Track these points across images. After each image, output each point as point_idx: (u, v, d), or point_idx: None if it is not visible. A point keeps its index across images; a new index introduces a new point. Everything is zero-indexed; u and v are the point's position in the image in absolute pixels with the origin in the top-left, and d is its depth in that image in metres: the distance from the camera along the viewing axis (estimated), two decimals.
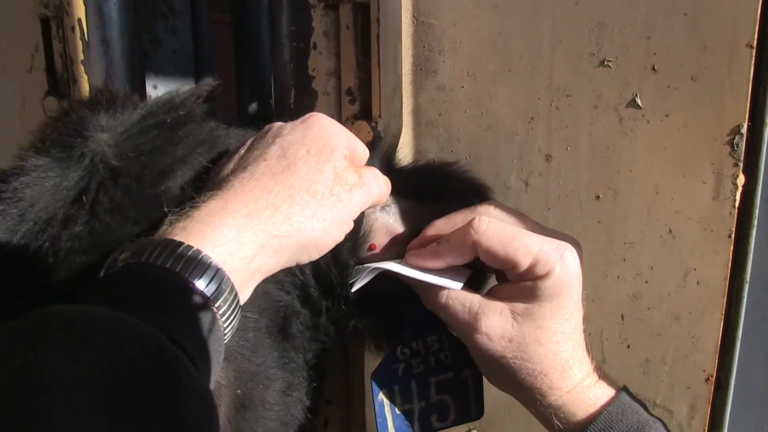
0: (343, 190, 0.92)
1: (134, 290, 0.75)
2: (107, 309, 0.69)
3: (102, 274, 0.79)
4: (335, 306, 1.09)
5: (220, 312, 0.79)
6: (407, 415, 1.08)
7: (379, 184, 1.01)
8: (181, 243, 0.78)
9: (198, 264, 0.77)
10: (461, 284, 0.99)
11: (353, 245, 1.05)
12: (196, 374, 0.70)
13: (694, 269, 1.25)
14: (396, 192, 1.08)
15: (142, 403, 0.63)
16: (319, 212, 0.89)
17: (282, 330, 1.06)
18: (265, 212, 0.85)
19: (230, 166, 0.97)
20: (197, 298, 0.76)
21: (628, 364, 1.33)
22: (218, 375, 0.89)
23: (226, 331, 0.81)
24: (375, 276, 1.05)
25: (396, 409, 1.08)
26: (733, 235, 1.21)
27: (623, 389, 1.00)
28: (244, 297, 0.86)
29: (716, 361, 1.30)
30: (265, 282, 0.95)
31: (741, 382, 1.37)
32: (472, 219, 0.98)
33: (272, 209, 0.86)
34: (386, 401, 1.08)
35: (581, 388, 0.98)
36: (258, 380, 1.02)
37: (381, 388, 1.08)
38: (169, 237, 0.79)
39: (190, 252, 0.77)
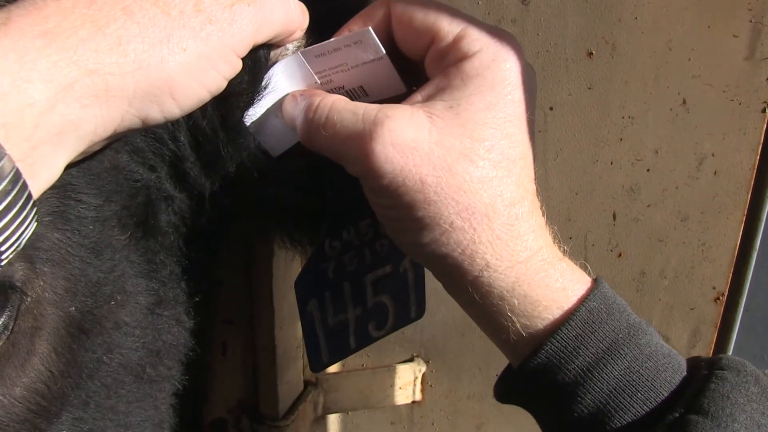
0: (218, 4, 0.72)
1: None
2: None
3: None
4: (225, 188, 0.94)
5: None
6: (341, 328, 0.98)
7: (287, 6, 0.81)
8: None
9: None
10: (370, 30, 0.83)
11: (251, 99, 0.85)
12: None
13: (712, 155, 1.13)
14: (317, 28, 0.87)
15: None
16: (175, 36, 0.69)
17: (143, 223, 0.88)
18: (80, 32, 0.64)
19: None
20: None
21: (617, 278, 1.23)
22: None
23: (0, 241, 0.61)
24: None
25: (328, 321, 0.97)
26: None
27: (599, 278, 0.82)
28: (46, 176, 0.66)
29: (730, 276, 1.20)
30: (113, 150, 0.79)
31: (746, 304, 1.28)
32: None
33: (92, 28, 0.65)
34: (316, 314, 0.96)
35: (542, 262, 0.78)
36: (105, 293, 0.83)
37: (309, 297, 0.95)
38: None
39: None
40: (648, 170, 1.16)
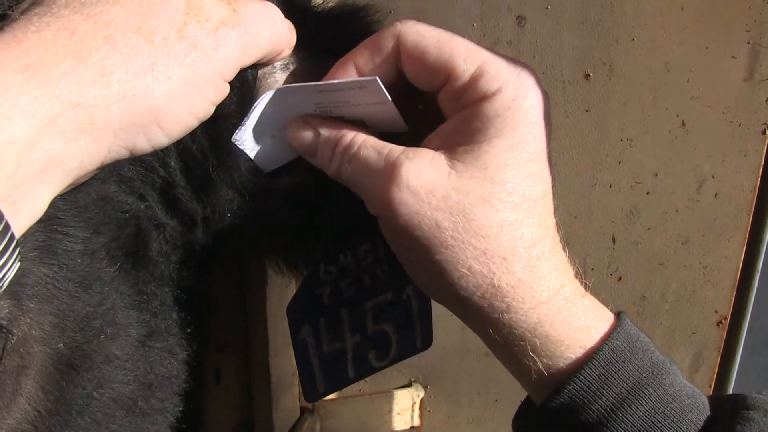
0: (202, 29, 0.70)
1: None
2: None
3: None
4: (217, 213, 0.91)
5: None
6: (338, 356, 0.95)
7: (274, 26, 0.80)
8: None
9: None
10: (378, 80, 0.80)
11: (240, 120, 0.85)
12: None
13: (713, 177, 1.12)
14: (305, 46, 0.86)
15: None
16: (159, 65, 0.67)
17: (133, 253, 0.87)
18: (62, 64, 0.63)
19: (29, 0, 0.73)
20: None
21: (617, 302, 1.20)
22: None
23: None
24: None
25: (324, 348, 0.95)
26: None
27: (622, 313, 0.79)
28: (30, 213, 0.64)
29: (732, 299, 1.18)
30: (100, 181, 0.78)
31: (751, 325, 1.26)
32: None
33: (74, 59, 0.64)
34: (310, 341, 0.94)
35: (564, 301, 0.76)
36: (95, 327, 0.81)
37: (302, 323, 0.95)
38: None
39: None
40: (647, 193, 1.14)
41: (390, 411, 1.35)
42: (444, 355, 1.28)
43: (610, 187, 1.14)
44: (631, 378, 0.73)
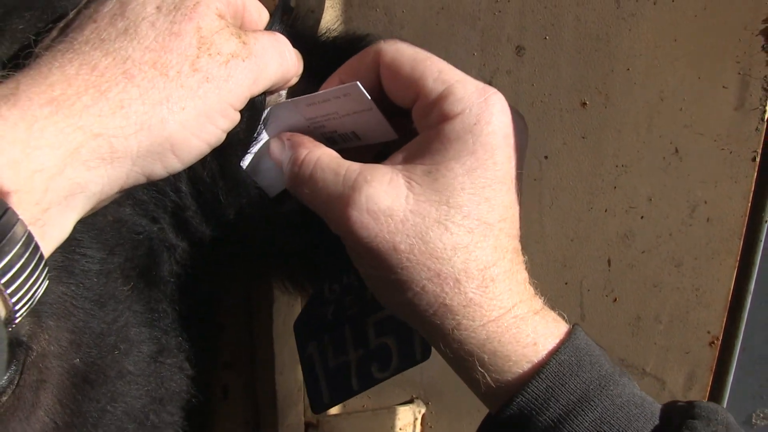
0: (213, 62, 0.74)
1: None
2: None
3: None
4: (225, 235, 0.93)
5: None
6: (342, 369, 0.97)
7: (282, 57, 0.83)
8: None
9: None
10: (358, 84, 0.81)
11: (247, 146, 0.88)
12: None
13: (705, 202, 1.11)
14: (311, 73, 0.89)
15: None
16: (174, 97, 0.71)
17: (146, 273, 0.89)
18: (83, 98, 0.66)
19: (52, 34, 0.76)
20: None
21: (613, 323, 1.20)
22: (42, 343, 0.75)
23: (14, 301, 0.61)
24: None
25: (329, 363, 0.97)
26: (758, 158, 1.07)
27: (575, 327, 0.81)
28: (57, 235, 0.67)
29: (724, 320, 1.17)
30: (116, 204, 0.81)
31: (743, 344, 1.25)
32: None
33: (95, 93, 0.67)
34: (316, 356, 0.97)
35: (513, 319, 0.78)
36: (109, 344, 0.83)
37: (309, 339, 0.97)
38: None
39: None
40: (642, 217, 1.14)
41: (392, 427, 1.35)
42: (445, 372, 1.26)
43: (606, 211, 1.15)
44: (578, 390, 0.75)
